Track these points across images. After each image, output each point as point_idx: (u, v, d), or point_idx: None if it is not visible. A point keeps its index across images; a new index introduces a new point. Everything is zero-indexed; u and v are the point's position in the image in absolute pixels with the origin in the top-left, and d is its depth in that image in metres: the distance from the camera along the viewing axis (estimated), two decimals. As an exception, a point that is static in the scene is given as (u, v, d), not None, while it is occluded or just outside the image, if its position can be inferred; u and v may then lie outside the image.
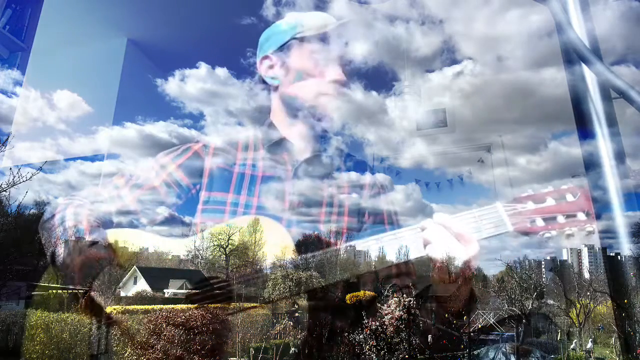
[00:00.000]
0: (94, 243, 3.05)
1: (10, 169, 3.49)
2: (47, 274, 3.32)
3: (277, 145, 3.47)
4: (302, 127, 3.45)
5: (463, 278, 2.66)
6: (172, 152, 3.51)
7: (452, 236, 2.54)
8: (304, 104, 3.40)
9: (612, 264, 2.41)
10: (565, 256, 4.11)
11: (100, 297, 2.95)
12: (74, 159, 5.10)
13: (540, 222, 2.53)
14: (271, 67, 3.48)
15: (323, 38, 3.36)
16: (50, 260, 3.07)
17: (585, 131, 2.29)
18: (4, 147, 3.70)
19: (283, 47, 3.43)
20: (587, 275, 3.56)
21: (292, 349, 2.97)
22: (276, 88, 3.55)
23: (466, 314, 2.98)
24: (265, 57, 3.50)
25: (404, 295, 2.79)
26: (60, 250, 3.00)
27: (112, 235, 3.17)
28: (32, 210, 4.39)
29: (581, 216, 2.48)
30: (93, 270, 2.99)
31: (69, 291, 3.13)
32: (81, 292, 3.03)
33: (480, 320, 3.40)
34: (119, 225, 3.29)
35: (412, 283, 2.89)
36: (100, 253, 3.05)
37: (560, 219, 2.51)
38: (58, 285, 3.21)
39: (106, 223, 3.24)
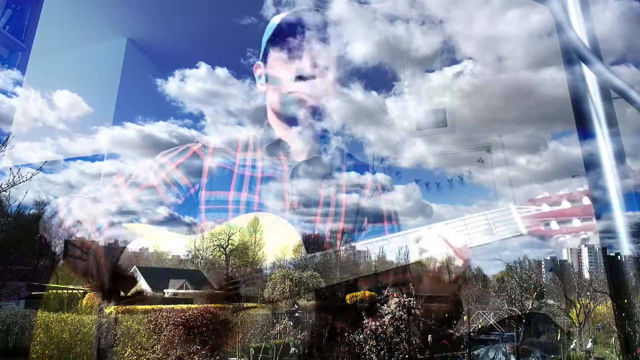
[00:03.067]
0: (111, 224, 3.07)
1: (10, 169, 3.50)
2: (53, 273, 3.33)
3: (274, 146, 3.49)
4: (294, 131, 3.47)
5: (456, 282, 2.65)
6: (171, 152, 3.52)
7: (449, 248, 2.52)
8: (283, 107, 3.42)
9: (612, 264, 2.40)
10: (565, 256, 4.11)
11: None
12: (74, 159, 5.11)
13: (555, 226, 2.48)
14: (260, 75, 3.60)
15: (286, 36, 3.36)
16: (60, 256, 3.08)
17: (585, 131, 2.29)
18: (4, 147, 3.70)
19: (263, 55, 3.52)
20: (587, 275, 3.56)
21: (292, 349, 2.97)
22: (265, 94, 3.61)
23: (448, 316, 2.98)
24: (256, 66, 3.62)
25: (404, 295, 2.80)
26: (70, 247, 3.01)
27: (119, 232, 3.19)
28: (32, 210, 4.39)
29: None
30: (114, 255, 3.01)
31: (69, 291, 3.14)
32: (81, 292, 3.04)
33: (480, 320, 3.40)
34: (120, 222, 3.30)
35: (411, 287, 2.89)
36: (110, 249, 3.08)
37: (576, 222, 2.47)
38: (58, 285, 3.22)
39: (110, 214, 3.26)
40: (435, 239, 2.55)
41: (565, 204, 2.51)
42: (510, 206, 2.58)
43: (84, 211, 3.07)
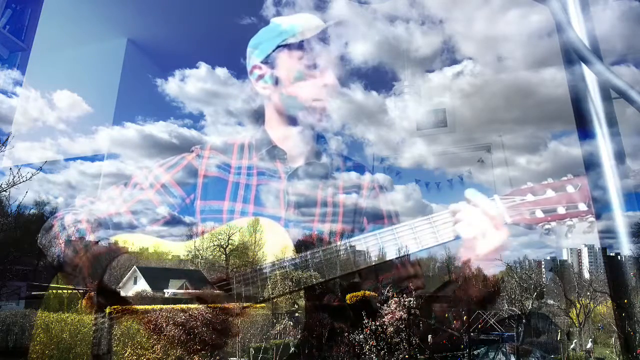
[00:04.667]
0: (97, 242, 3.09)
1: (10, 169, 3.50)
2: (53, 276, 3.35)
3: (270, 153, 3.46)
4: (295, 135, 3.45)
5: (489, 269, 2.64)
6: (166, 163, 3.52)
7: (485, 218, 2.52)
8: (295, 112, 3.39)
9: (612, 264, 2.40)
10: (565, 256, 4.11)
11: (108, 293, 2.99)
12: (74, 159, 5.11)
13: (539, 214, 2.51)
14: (261, 76, 3.45)
15: (310, 42, 3.30)
16: (56, 264, 3.11)
17: (585, 131, 2.29)
18: (4, 147, 3.70)
19: (270, 56, 3.39)
20: (587, 275, 3.56)
21: (292, 349, 2.97)
22: (268, 98, 3.53)
23: (486, 305, 2.96)
24: (255, 67, 3.47)
25: (404, 295, 2.80)
26: (67, 251, 3.03)
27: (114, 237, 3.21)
28: (32, 210, 4.40)
29: (582, 207, 2.46)
30: (101, 267, 3.03)
31: (69, 291, 3.14)
32: (81, 292, 3.05)
33: (480, 320, 3.40)
34: (118, 229, 3.32)
35: (413, 285, 2.89)
36: (106, 249, 3.10)
37: (561, 210, 2.49)
38: (58, 285, 3.22)
39: (105, 225, 3.28)
40: (471, 209, 2.56)
41: (549, 193, 2.53)
42: (495, 197, 2.62)
43: (75, 227, 3.11)
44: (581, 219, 2.46)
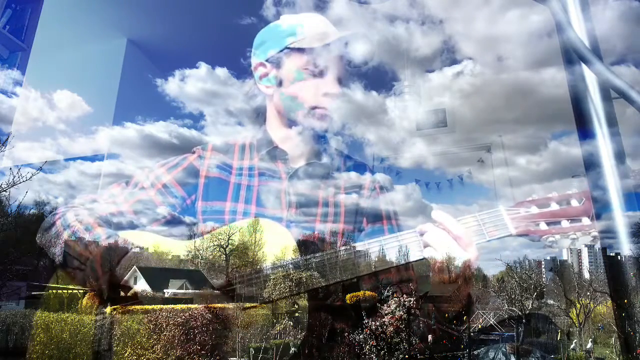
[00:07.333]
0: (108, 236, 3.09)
1: (10, 169, 3.50)
2: (54, 274, 3.34)
3: (272, 154, 3.45)
4: (296, 136, 3.44)
5: (463, 279, 2.68)
6: (168, 163, 3.52)
7: (452, 239, 2.57)
8: (297, 115, 3.38)
9: (612, 264, 2.41)
10: (565, 256, 4.11)
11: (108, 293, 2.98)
12: (74, 159, 5.11)
13: (543, 226, 2.55)
14: (265, 75, 3.45)
15: (319, 51, 3.29)
16: (59, 261, 3.10)
17: (585, 131, 2.29)
18: (4, 147, 3.70)
19: (276, 56, 3.37)
20: (587, 275, 3.56)
21: (292, 349, 2.97)
22: (271, 96, 3.52)
23: (465, 315, 2.99)
24: (260, 64, 3.47)
25: (404, 296, 2.80)
26: (74, 245, 3.03)
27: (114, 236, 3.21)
28: (32, 210, 4.40)
29: (586, 221, 2.50)
30: (112, 260, 3.03)
31: (69, 291, 3.14)
32: (81, 292, 3.04)
33: (480, 320, 3.40)
34: (119, 227, 3.31)
35: (412, 287, 2.90)
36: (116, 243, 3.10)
37: (565, 223, 2.53)
38: (58, 285, 3.22)
39: (107, 223, 3.27)
40: (436, 231, 2.62)
41: (554, 206, 2.57)
42: (500, 207, 2.66)
43: (80, 223, 3.10)
44: (584, 233, 2.50)
